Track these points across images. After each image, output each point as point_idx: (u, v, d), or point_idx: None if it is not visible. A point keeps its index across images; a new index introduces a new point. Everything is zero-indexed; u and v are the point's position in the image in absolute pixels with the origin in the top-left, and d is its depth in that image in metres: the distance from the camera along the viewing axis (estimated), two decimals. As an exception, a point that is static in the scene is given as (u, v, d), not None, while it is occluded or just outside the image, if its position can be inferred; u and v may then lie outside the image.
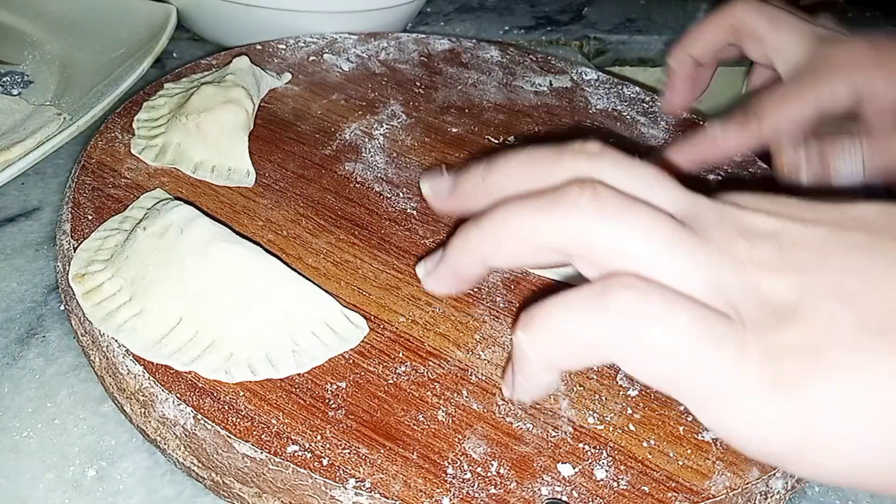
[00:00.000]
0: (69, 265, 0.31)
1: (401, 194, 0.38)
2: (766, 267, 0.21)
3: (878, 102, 0.37)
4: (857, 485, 0.20)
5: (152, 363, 0.28)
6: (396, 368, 0.29)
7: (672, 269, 0.21)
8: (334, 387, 0.28)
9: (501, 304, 0.33)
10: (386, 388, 0.28)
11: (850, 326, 0.19)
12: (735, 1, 0.43)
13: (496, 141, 0.43)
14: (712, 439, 0.28)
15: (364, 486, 0.25)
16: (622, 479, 0.26)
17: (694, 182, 0.24)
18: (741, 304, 0.20)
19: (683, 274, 0.21)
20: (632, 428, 0.28)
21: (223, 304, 0.29)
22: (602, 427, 0.28)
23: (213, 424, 0.26)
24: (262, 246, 0.31)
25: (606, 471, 0.27)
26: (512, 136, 0.44)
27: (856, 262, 0.21)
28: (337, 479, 0.25)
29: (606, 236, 0.21)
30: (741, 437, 0.20)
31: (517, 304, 0.33)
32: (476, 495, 0.25)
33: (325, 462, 0.25)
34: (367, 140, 0.42)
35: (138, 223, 0.31)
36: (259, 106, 0.42)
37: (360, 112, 0.44)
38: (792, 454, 0.20)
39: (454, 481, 0.26)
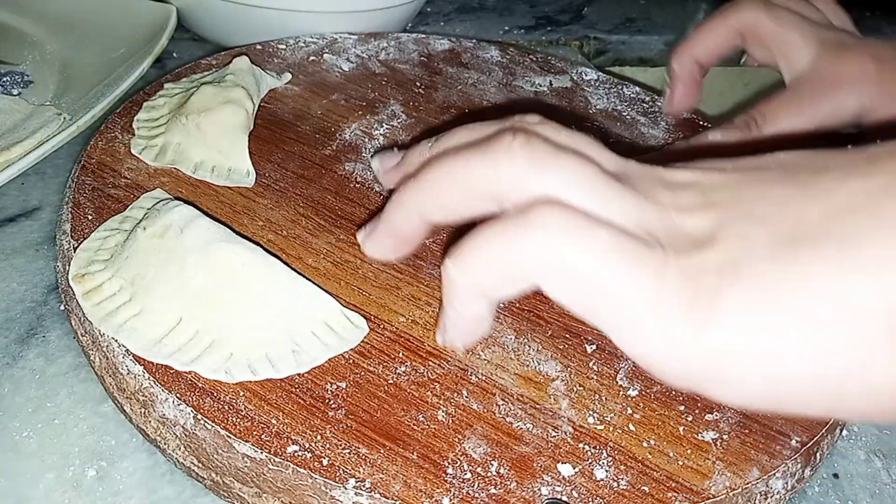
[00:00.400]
0: (69, 265, 0.31)
1: (401, 194, 0.38)
2: (686, 209, 0.21)
3: (876, 118, 0.37)
4: (777, 406, 0.20)
5: (152, 363, 0.28)
6: (396, 368, 0.29)
7: (597, 207, 0.21)
8: (334, 387, 0.28)
9: (501, 304, 0.33)
10: (386, 388, 0.28)
11: (764, 242, 0.20)
12: (740, 1, 0.42)
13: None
14: (712, 439, 0.28)
15: (364, 486, 0.25)
16: (622, 479, 0.26)
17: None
18: (662, 236, 0.21)
19: (608, 211, 0.21)
20: (632, 428, 0.28)
21: (223, 304, 0.29)
22: (602, 427, 0.28)
23: (213, 424, 0.26)
24: (262, 246, 0.31)
25: (606, 471, 0.27)
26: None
27: (770, 191, 0.21)
28: (337, 479, 0.25)
29: (537, 179, 0.22)
30: (660, 360, 0.20)
31: (517, 304, 0.33)
32: (476, 495, 0.25)
33: (325, 462, 0.25)
34: (367, 140, 0.42)
35: (138, 223, 0.31)
36: (259, 106, 0.42)
37: (360, 112, 0.44)
38: (711, 374, 0.19)
39: (454, 481, 0.26)
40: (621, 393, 0.30)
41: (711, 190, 0.22)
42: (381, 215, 0.26)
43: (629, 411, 0.29)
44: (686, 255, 0.20)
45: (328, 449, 0.26)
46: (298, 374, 0.28)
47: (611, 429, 0.28)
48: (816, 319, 0.18)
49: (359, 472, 0.25)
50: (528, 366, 0.30)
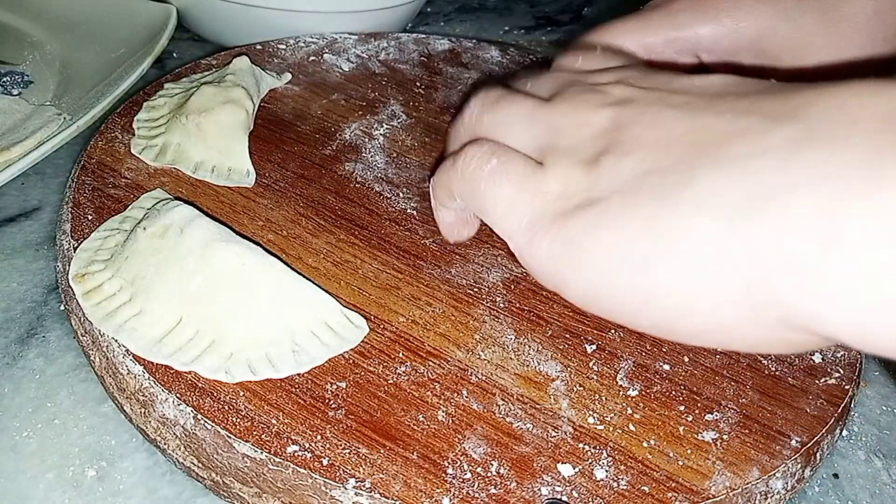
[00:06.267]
0: (69, 265, 0.31)
1: (401, 194, 0.38)
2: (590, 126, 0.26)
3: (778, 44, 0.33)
4: (602, 307, 0.24)
5: (152, 363, 0.28)
6: (396, 368, 0.29)
7: (513, 136, 0.27)
8: (334, 387, 0.28)
9: (501, 304, 0.33)
10: (386, 388, 0.28)
11: (629, 174, 0.23)
12: None
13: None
14: (712, 439, 0.28)
15: (364, 486, 0.25)
16: (622, 479, 0.26)
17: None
18: (556, 160, 0.25)
19: (520, 138, 0.27)
20: (632, 428, 0.28)
21: (223, 304, 0.29)
22: (602, 427, 0.28)
23: (213, 424, 0.26)
24: (262, 246, 0.31)
25: (606, 471, 0.27)
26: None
27: (664, 119, 0.24)
28: (337, 479, 0.25)
29: (479, 123, 0.29)
30: (525, 256, 0.25)
31: (517, 304, 0.33)
32: (476, 495, 0.25)
33: (325, 462, 0.25)
34: (367, 140, 0.42)
35: (138, 223, 0.31)
36: (259, 106, 0.42)
37: (360, 112, 0.44)
38: (554, 272, 0.24)
39: (454, 481, 0.26)
40: (621, 393, 0.30)
41: (623, 105, 0.25)
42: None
43: (629, 411, 0.29)
44: (568, 180, 0.25)
45: (328, 449, 0.26)
46: (298, 374, 0.28)
47: (611, 429, 0.28)
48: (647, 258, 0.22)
49: (359, 472, 0.25)
50: (528, 366, 0.30)
